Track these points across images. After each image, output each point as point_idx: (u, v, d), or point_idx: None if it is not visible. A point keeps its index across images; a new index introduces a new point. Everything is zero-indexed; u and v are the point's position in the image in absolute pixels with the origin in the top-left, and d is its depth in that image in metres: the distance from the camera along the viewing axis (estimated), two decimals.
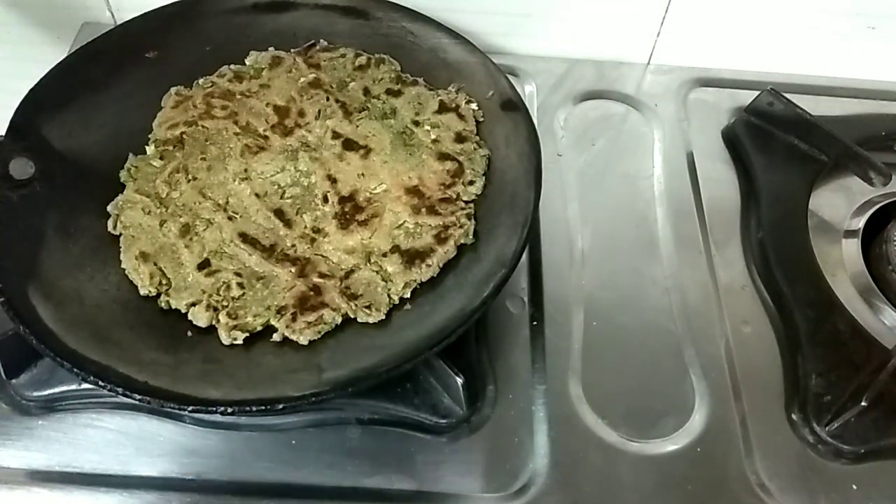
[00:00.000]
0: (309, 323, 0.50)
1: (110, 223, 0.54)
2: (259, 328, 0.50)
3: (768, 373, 0.55)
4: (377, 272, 0.52)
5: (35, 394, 0.51)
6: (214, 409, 0.44)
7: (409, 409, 0.51)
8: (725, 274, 0.60)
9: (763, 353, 0.56)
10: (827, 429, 0.52)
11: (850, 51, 0.73)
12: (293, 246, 0.54)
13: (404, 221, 0.55)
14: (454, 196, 0.56)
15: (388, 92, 0.62)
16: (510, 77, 0.61)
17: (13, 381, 0.51)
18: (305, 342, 0.50)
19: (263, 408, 0.44)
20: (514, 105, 0.59)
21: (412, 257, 0.53)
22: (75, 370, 0.45)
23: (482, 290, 0.49)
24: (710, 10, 0.71)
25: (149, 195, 0.55)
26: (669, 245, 0.62)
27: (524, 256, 0.57)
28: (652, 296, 0.59)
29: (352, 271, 0.53)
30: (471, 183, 0.57)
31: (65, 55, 0.60)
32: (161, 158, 0.57)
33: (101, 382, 0.44)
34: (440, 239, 0.54)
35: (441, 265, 0.53)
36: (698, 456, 0.51)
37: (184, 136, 0.58)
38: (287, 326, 0.50)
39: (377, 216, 0.55)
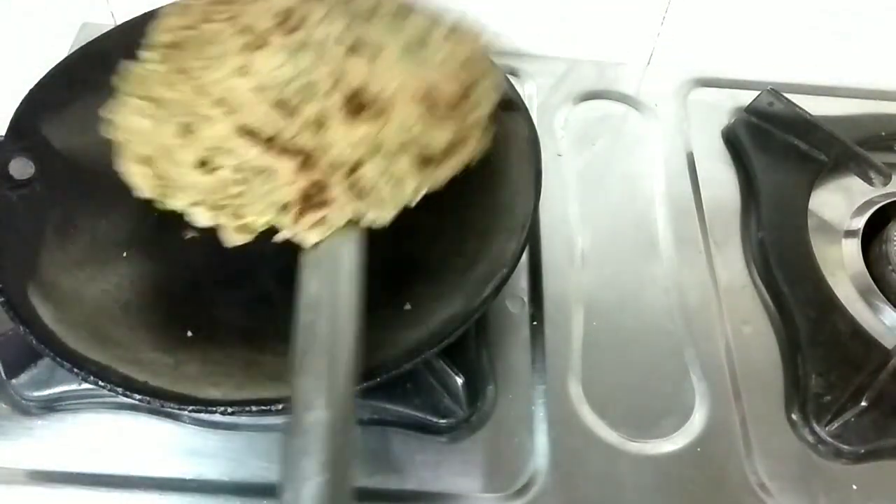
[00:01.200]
0: (315, 222, 0.47)
1: (104, 128, 0.51)
2: (263, 227, 0.48)
3: (768, 373, 0.55)
4: (385, 170, 0.49)
5: (35, 394, 0.51)
6: (214, 409, 0.44)
7: (409, 409, 0.51)
8: (725, 274, 0.60)
9: (763, 353, 0.56)
10: (827, 429, 0.52)
11: (850, 51, 0.73)
12: (295, 136, 0.50)
13: (415, 123, 0.51)
14: (468, 106, 0.53)
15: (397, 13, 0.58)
16: (510, 77, 0.60)
17: (13, 381, 0.51)
18: (313, 241, 0.47)
19: (264, 408, 0.44)
20: (514, 105, 0.58)
21: (425, 160, 0.50)
22: (75, 370, 0.45)
23: (482, 290, 0.49)
24: (710, 10, 0.71)
25: (145, 97, 0.52)
26: (669, 245, 0.62)
27: (524, 256, 0.57)
28: (652, 296, 0.59)
29: (358, 165, 0.49)
30: None
31: (65, 55, 0.60)
32: (159, 62, 0.54)
33: (101, 382, 0.44)
34: (452, 146, 0.51)
35: (453, 173, 0.50)
36: (698, 456, 0.51)
37: (183, 39, 0.55)
38: (295, 223, 0.47)
39: (386, 112, 0.51)
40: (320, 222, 0.47)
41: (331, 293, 0.43)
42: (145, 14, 0.63)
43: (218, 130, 0.50)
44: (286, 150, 0.49)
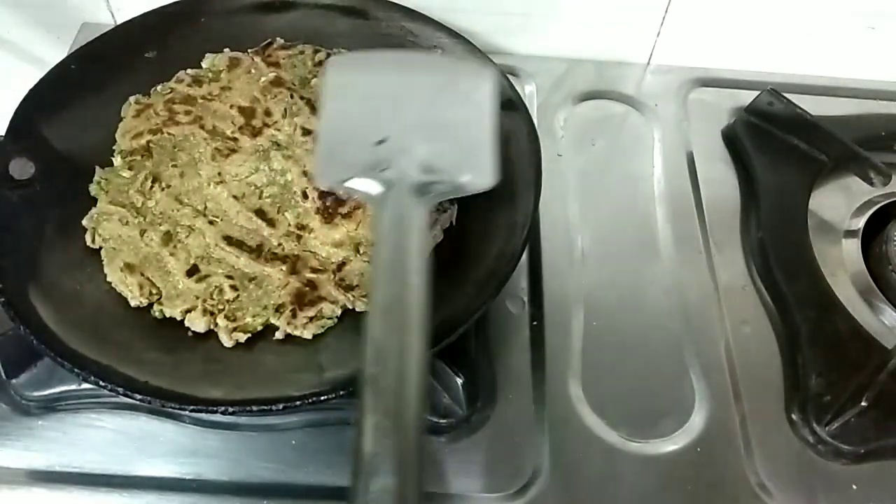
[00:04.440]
0: (310, 318, 0.50)
1: (88, 237, 0.53)
2: (259, 328, 0.50)
3: (768, 373, 0.55)
4: (368, 262, 0.52)
5: (35, 394, 0.51)
6: (215, 409, 0.44)
7: None
8: (725, 274, 0.60)
9: (763, 353, 0.56)
10: (827, 429, 0.52)
11: (850, 51, 0.73)
12: (280, 244, 0.54)
13: None
14: None
15: None
16: (510, 77, 0.60)
17: (13, 381, 0.51)
18: (309, 336, 0.50)
19: (264, 408, 0.44)
20: (514, 105, 0.58)
21: None
22: (75, 370, 0.45)
23: (482, 290, 0.49)
24: (710, 10, 0.71)
25: (124, 205, 0.54)
26: (669, 245, 0.62)
27: (524, 256, 0.57)
28: (652, 296, 0.59)
29: (343, 263, 0.53)
30: None
31: (65, 55, 0.60)
32: (130, 169, 0.56)
33: (101, 382, 0.44)
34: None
35: (430, 250, 0.53)
36: (698, 456, 0.51)
37: (150, 144, 0.57)
38: (288, 323, 0.50)
39: (360, 207, 0.55)
40: (316, 318, 0.50)
41: (398, 344, 0.39)
42: (145, 14, 0.63)
43: (204, 240, 0.53)
44: (275, 257, 0.53)
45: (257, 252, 0.53)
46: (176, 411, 0.50)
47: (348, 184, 0.44)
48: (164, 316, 0.51)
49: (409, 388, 0.37)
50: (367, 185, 0.44)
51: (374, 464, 0.34)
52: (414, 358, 0.37)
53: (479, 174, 0.46)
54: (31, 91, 0.56)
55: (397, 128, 0.47)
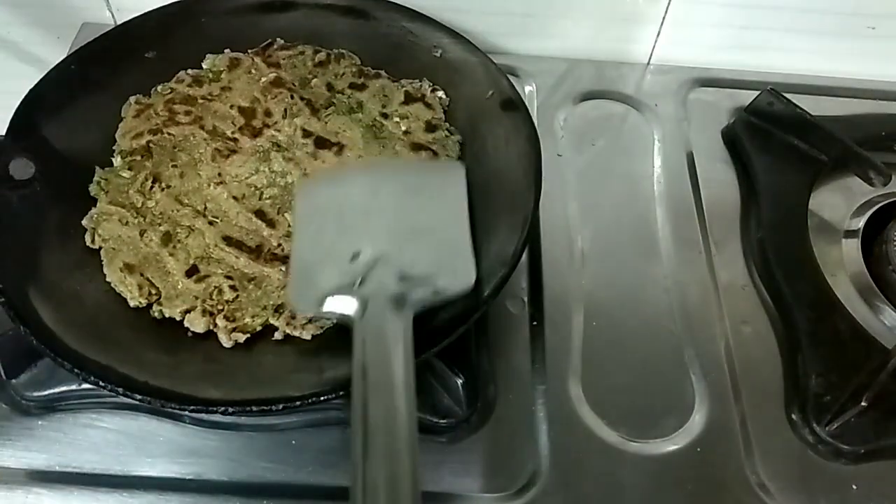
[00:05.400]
0: (309, 318, 0.50)
1: (87, 237, 0.53)
2: (259, 328, 0.50)
3: (768, 373, 0.55)
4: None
5: (35, 394, 0.51)
6: (215, 409, 0.44)
7: None
8: (725, 274, 0.60)
9: (763, 353, 0.56)
10: (827, 429, 0.52)
11: (850, 51, 0.73)
12: (279, 245, 0.54)
13: None
14: None
15: (352, 86, 0.62)
16: (510, 77, 0.60)
17: (13, 381, 0.51)
18: (308, 337, 0.50)
19: (264, 408, 0.44)
20: (514, 105, 0.58)
21: None
22: (75, 370, 0.45)
23: (482, 291, 0.49)
24: (710, 10, 0.71)
25: (123, 206, 0.55)
26: (669, 245, 0.62)
27: (524, 256, 0.57)
28: (652, 296, 0.59)
29: None
30: None
31: (65, 55, 0.60)
32: (129, 169, 0.56)
33: (101, 382, 0.44)
34: None
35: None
36: (698, 456, 0.51)
37: (150, 144, 0.57)
38: (287, 324, 0.50)
39: None
40: (315, 318, 0.50)
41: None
42: (145, 14, 0.63)
43: (204, 241, 0.53)
44: (275, 258, 0.53)
45: (257, 253, 0.53)
46: (176, 411, 0.50)
47: (325, 307, 0.44)
48: (164, 316, 0.51)
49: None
50: (343, 305, 0.44)
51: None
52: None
53: (459, 276, 0.46)
54: (31, 91, 0.56)
55: (370, 238, 0.47)
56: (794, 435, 0.53)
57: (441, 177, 0.52)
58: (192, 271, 0.52)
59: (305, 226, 0.50)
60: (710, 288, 0.60)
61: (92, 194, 0.56)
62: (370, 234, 0.47)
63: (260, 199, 0.56)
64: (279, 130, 0.59)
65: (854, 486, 0.51)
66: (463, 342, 0.51)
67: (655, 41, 0.74)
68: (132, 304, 0.51)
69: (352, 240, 0.47)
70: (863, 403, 0.52)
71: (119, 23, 0.68)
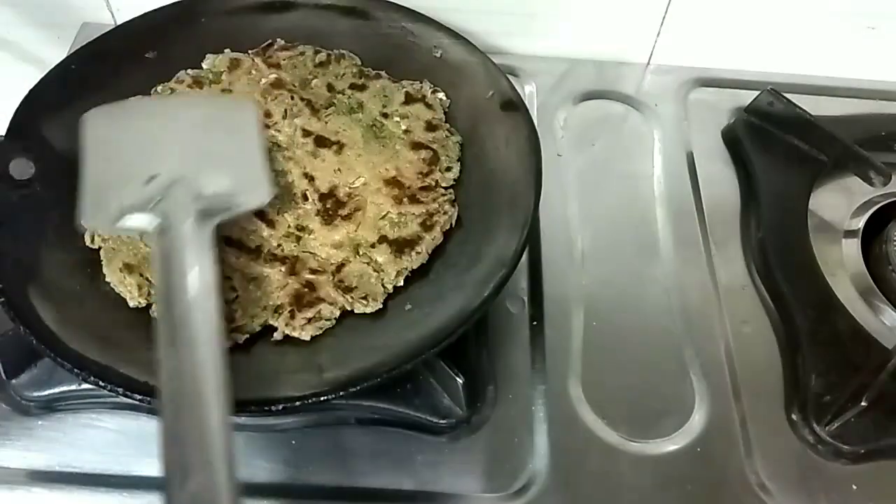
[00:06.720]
0: (308, 319, 0.50)
1: (87, 237, 0.53)
2: (258, 328, 0.50)
3: (768, 373, 0.55)
4: (368, 263, 0.53)
5: (35, 394, 0.51)
6: None
7: (409, 410, 0.51)
8: (725, 274, 0.60)
9: (763, 353, 0.56)
10: (827, 429, 0.52)
11: (850, 51, 0.73)
12: (279, 245, 0.54)
13: (387, 212, 0.55)
14: (433, 183, 0.57)
15: (353, 87, 0.63)
16: (510, 77, 0.61)
17: (13, 381, 0.51)
18: (307, 338, 0.50)
19: (264, 408, 0.44)
20: (514, 105, 0.58)
21: (401, 246, 0.53)
22: (76, 370, 0.45)
23: (482, 290, 0.49)
24: (710, 10, 0.71)
25: None
26: (669, 245, 0.62)
27: (524, 256, 0.57)
28: (652, 296, 0.59)
29: (342, 265, 0.53)
30: (448, 169, 0.58)
31: (65, 55, 0.60)
32: None
33: (101, 383, 0.44)
34: (426, 226, 0.55)
35: (430, 251, 0.54)
36: (698, 456, 0.51)
37: None
38: (287, 324, 0.50)
39: (360, 209, 0.55)
40: (314, 319, 0.50)
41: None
42: (145, 14, 0.63)
43: None
44: (274, 258, 0.53)
45: (256, 253, 0.53)
46: None
47: (121, 223, 0.46)
48: None
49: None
50: (141, 221, 0.46)
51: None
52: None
53: (254, 191, 0.49)
54: (31, 91, 0.56)
55: (165, 164, 0.49)
56: (794, 435, 0.53)
57: (231, 111, 0.55)
58: None
59: (97, 151, 0.50)
60: (710, 288, 0.60)
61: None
62: (165, 160, 0.49)
63: None
64: (279, 131, 0.59)
65: (854, 486, 0.51)
66: (463, 342, 0.51)
67: (655, 41, 0.74)
68: (132, 304, 0.51)
69: (146, 164, 0.49)
70: (863, 403, 0.52)
71: (119, 23, 0.68)
